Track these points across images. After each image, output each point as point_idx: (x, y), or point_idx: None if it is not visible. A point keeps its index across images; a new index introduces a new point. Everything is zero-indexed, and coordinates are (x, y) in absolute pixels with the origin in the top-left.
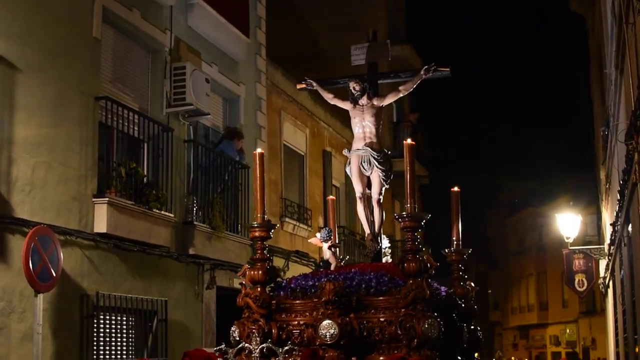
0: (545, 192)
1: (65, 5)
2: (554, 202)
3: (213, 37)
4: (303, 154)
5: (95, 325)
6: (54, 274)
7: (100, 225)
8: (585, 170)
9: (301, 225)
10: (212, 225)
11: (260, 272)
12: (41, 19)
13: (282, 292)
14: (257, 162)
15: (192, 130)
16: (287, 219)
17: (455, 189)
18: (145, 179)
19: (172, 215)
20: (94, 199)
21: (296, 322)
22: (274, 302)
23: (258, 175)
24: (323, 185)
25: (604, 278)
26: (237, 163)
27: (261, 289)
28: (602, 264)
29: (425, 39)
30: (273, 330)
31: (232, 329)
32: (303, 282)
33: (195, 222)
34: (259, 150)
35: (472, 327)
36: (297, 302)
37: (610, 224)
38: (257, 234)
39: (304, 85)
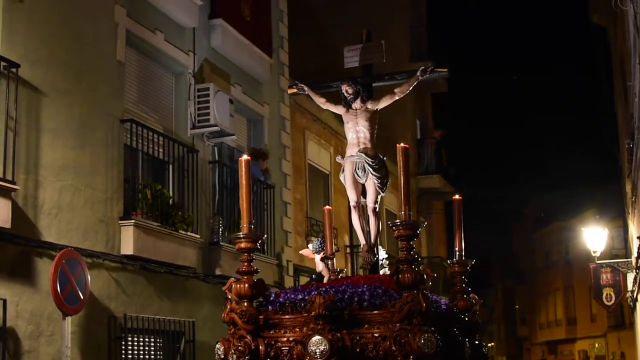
0: (572, 206)
1: (89, 29)
2: (581, 216)
3: (236, 58)
4: (328, 172)
5: (123, 347)
6: (82, 297)
7: (127, 247)
8: (611, 183)
9: None
10: None
11: (246, 285)
12: (65, 43)
13: (270, 307)
14: (243, 168)
15: (216, 151)
16: (312, 238)
17: (457, 197)
18: (170, 201)
19: (198, 236)
20: (120, 221)
21: (285, 339)
22: (261, 317)
23: (244, 182)
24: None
25: (632, 291)
26: (262, 183)
27: (248, 304)
28: (630, 277)
29: (447, 55)
30: (260, 347)
31: (217, 346)
32: (292, 296)
33: (221, 243)
34: (244, 157)
35: (476, 342)
36: (286, 317)
37: (637, 237)
38: (242, 245)
39: (295, 90)
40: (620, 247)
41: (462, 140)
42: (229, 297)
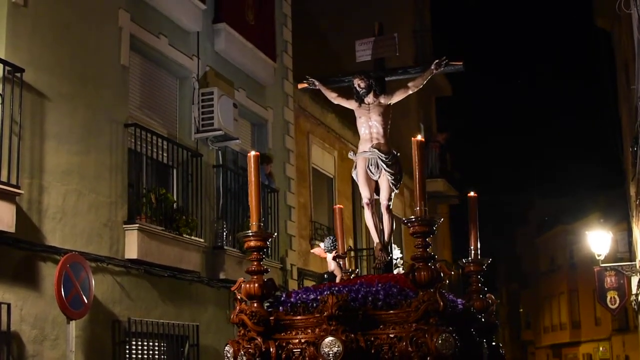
0: (576, 210)
1: (93, 34)
2: (585, 219)
3: (240, 63)
4: (332, 176)
5: (127, 352)
6: (86, 301)
7: (131, 251)
8: (616, 187)
9: None
10: (242, 249)
11: (256, 285)
12: (70, 48)
13: (281, 307)
14: (252, 165)
15: (220, 155)
16: (317, 242)
17: (472, 194)
18: (175, 205)
19: (202, 240)
20: (124, 226)
21: (297, 340)
22: (272, 318)
23: (253, 179)
24: (352, 208)
25: (636, 295)
26: (266, 187)
27: (258, 304)
28: (634, 280)
29: (452, 58)
30: (271, 349)
31: (226, 348)
32: (304, 296)
33: (225, 247)
34: (252, 152)
35: (493, 342)
36: (298, 317)
37: None
38: (252, 243)
39: (305, 85)
40: (625, 251)
41: (466, 144)
42: (238, 297)
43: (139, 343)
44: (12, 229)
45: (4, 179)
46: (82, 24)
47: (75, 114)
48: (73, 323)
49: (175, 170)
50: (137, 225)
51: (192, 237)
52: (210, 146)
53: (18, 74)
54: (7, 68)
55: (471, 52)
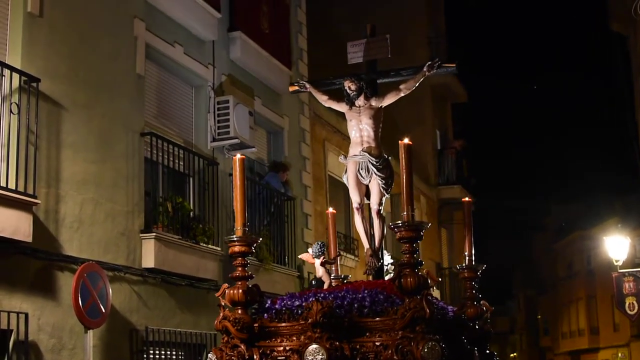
0: (593, 215)
1: (108, 42)
2: (602, 225)
3: (255, 71)
4: None
5: None
6: (104, 310)
7: (148, 260)
8: (633, 192)
9: (348, 255)
10: (259, 257)
11: (240, 291)
12: (85, 57)
13: (265, 314)
14: (237, 168)
15: None
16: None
17: (467, 199)
18: (191, 214)
19: (219, 248)
20: (141, 235)
21: (281, 348)
22: (256, 325)
23: (238, 183)
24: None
25: None
26: (283, 195)
27: (242, 311)
28: None
29: (467, 66)
30: (255, 357)
31: (209, 356)
32: (289, 303)
33: None
34: (238, 155)
35: (487, 351)
36: (283, 324)
37: None
38: (236, 248)
39: (296, 88)
40: None
41: (482, 150)
42: (222, 303)
43: (157, 352)
44: (29, 239)
45: (21, 188)
46: (97, 33)
47: (91, 123)
48: (90, 332)
49: (191, 179)
50: (154, 234)
51: (209, 246)
52: (227, 154)
53: (34, 84)
54: (23, 78)
55: (486, 58)
